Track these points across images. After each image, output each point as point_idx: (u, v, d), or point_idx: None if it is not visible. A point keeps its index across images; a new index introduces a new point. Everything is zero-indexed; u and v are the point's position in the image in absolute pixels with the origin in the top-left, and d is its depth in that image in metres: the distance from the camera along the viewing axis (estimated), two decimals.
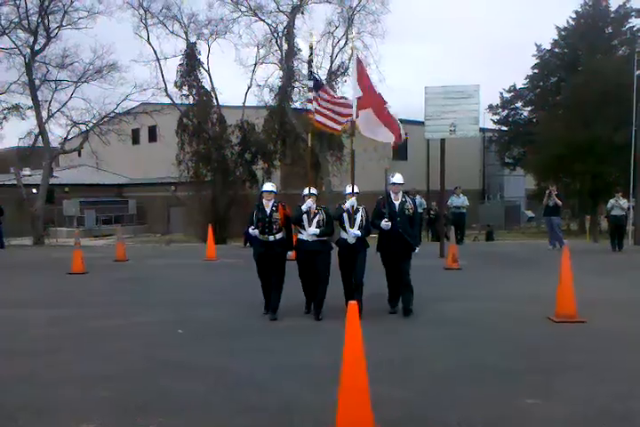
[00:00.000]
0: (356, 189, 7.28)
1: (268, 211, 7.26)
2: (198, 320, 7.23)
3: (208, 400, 4.49)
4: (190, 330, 6.75)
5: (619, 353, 5.65)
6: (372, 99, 7.17)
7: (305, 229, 7.17)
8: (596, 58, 25.15)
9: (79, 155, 30.64)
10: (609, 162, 20.52)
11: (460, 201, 16.67)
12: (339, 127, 7.60)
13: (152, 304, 8.33)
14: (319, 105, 7.42)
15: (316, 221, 7.16)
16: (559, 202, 14.30)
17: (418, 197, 17.95)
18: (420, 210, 17.57)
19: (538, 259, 13.09)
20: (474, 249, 15.81)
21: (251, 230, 7.26)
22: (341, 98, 7.72)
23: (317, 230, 7.08)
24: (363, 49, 21.60)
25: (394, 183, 7.24)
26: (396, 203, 7.22)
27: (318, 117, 7.42)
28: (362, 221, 7.10)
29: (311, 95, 7.50)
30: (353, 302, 3.76)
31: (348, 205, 7.15)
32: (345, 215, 7.13)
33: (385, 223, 7.05)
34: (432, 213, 18.58)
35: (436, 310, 7.61)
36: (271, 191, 7.39)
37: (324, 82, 8.07)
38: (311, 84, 7.56)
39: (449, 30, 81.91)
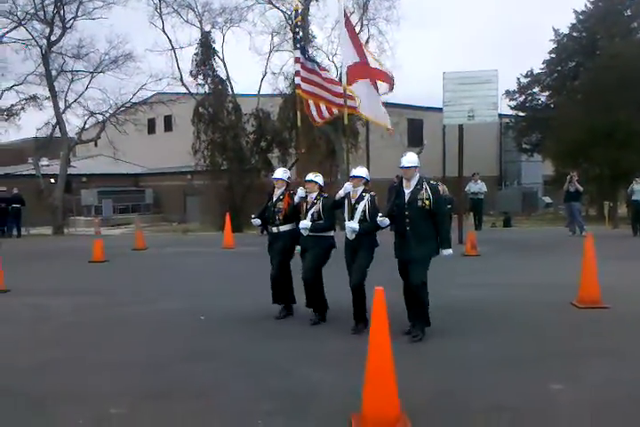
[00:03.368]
0: (362, 173, 6.08)
1: (275, 199, 6.74)
2: (219, 308, 7.24)
3: (233, 386, 4.53)
4: (212, 317, 6.79)
5: None
6: (366, 66, 6.53)
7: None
8: (615, 41, 24.66)
9: (95, 145, 30.85)
10: (629, 147, 20.17)
11: (477, 187, 16.55)
12: (326, 115, 7.05)
13: (173, 292, 8.40)
14: (307, 81, 6.85)
15: (310, 213, 6.30)
16: (580, 188, 14.14)
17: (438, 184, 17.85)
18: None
19: (558, 245, 12.98)
20: (492, 235, 15.68)
21: (252, 219, 7.03)
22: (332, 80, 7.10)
23: (308, 224, 6.22)
24: (378, 35, 21.38)
25: (403, 166, 5.66)
26: (407, 191, 5.62)
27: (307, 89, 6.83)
28: (364, 212, 5.87)
29: (298, 67, 6.84)
30: (379, 288, 3.74)
31: (342, 191, 6.11)
32: (346, 205, 6.04)
33: (379, 219, 5.66)
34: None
35: (456, 296, 7.55)
36: (280, 178, 6.79)
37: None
38: (298, 53, 6.92)
39: (462, 15, 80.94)
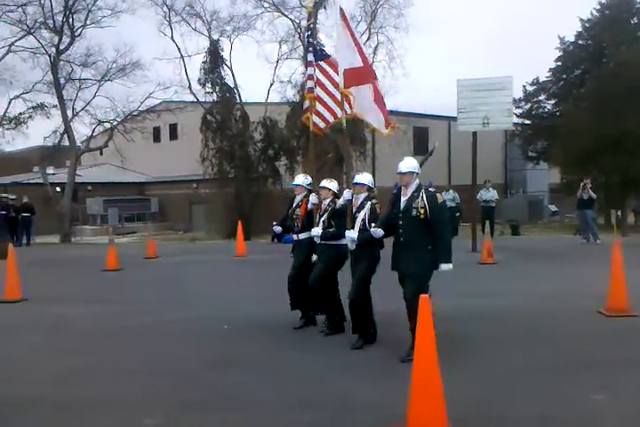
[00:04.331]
0: (363, 180, 5.78)
1: (294, 206, 6.66)
2: (241, 316, 7.16)
3: (264, 396, 4.45)
4: (235, 325, 6.70)
5: None
6: (367, 72, 6.26)
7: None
8: (622, 49, 24.67)
9: (101, 153, 30.87)
10: (637, 155, 20.10)
11: (489, 195, 16.49)
12: (330, 120, 6.72)
13: (192, 301, 8.32)
14: (320, 85, 6.57)
15: (322, 220, 6.17)
16: (594, 195, 14.07)
17: (451, 191, 17.78)
18: (451, 204, 17.41)
19: (574, 253, 12.89)
20: (503, 243, 15.55)
21: (273, 226, 6.96)
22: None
23: (319, 231, 6.08)
24: (387, 43, 21.44)
25: (400, 172, 5.26)
26: (403, 199, 5.25)
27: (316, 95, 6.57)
28: (364, 221, 5.60)
29: (309, 71, 6.61)
30: (425, 296, 3.67)
31: (341, 199, 5.97)
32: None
33: (372, 229, 5.33)
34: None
35: (482, 306, 7.41)
36: (298, 185, 6.67)
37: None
38: (311, 56, 6.62)
39: (464, 24, 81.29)
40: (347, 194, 5.87)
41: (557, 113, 30.53)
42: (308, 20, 7.14)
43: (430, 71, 64.41)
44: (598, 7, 28.81)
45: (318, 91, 6.78)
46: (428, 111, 31.43)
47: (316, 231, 6.10)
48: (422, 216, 5.07)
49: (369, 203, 5.66)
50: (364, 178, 5.81)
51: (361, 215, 5.64)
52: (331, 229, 6.05)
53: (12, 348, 5.96)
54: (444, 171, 31.21)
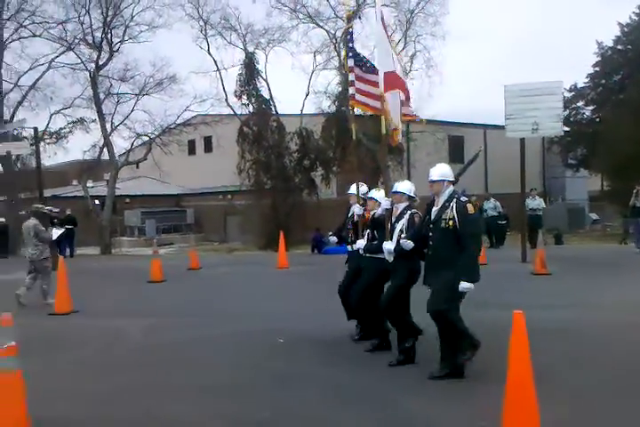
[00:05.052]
0: (402, 189, 5.53)
1: (348, 216, 6.53)
2: (294, 330, 6.96)
3: (332, 416, 4.25)
4: (288, 340, 6.52)
5: None
6: (399, 78, 6.09)
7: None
8: None
9: (137, 166, 31.27)
10: None
11: (535, 203, 16.06)
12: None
13: (241, 314, 8.18)
14: (362, 93, 6.33)
15: (366, 232, 5.98)
16: None
17: (492, 200, 17.39)
18: (493, 213, 17.04)
19: (628, 263, 12.39)
20: (551, 253, 15.06)
21: (329, 236, 6.86)
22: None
23: (363, 244, 5.88)
24: (424, 51, 21.29)
25: (430, 180, 5.03)
26: (434, 209, 5.00)
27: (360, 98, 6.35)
28: (401, 231, 5.37)
29: (352, 76, 6.39)
30: (518, 312, 3.43)
31: (379, 209, 5.80)
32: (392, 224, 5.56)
33: (402, 241, 5.18)
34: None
35: (551, 320, 6.89)
36: (351, 193, 6.52)
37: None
38: (351, 62, 6.40)
39: (500, 30, 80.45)
40: (385, 203, 5.66)
41: (597, 119, 29.94)
42: (348, 22, 6.81)
43: (466, 79, 63.95)
44: (637, 11, 28.24)
45: (361, 98, 6.50)
46: (462, 119, 31.15)
47: (360, 243, 5.88)
48: (451, 228, 4.75)
49: (408, 213, 5.41)
50: (403, 186, 5.58)
51: (399, 226, 5.41)
52: (374, 242, 5.77)
53: (59, 363, 5.83)
54: (481, 180, 30.78)
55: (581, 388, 4.63)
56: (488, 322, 6.02)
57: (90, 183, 29.92)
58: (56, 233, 10.49)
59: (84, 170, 25.03)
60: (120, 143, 27.60)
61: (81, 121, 24.16)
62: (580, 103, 31.58)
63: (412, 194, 5.55)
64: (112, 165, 23.72)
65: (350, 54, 6.67)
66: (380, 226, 5.77)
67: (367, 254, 5.87)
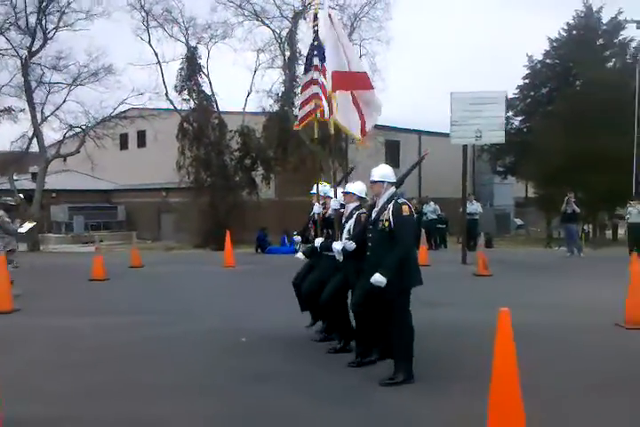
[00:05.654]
0: (352, 189, 5.58)
1: (310, 214, 6.57)
2: (253, 329, 6.88)
3: (320, 415, 4.23)
4: (251, 339, 6.44)
5: None
6: (354, 78, 5.98)
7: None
8: (591, 69, 25.49)
9: (64, 160, 29.96)
10: (609, 171, 20.72)
11: (473, 208, 16.67)
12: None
13: (196, 312, 8.02)
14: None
15: (325, 230, 6.04)
16: (577, 209, 14.35)
17: (431, 203, 17.88)
18: (432, 216, 17.52)
19: (561, 266, 13.10)
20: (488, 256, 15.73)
21: (295, 236, 6.96)
22: None
23: (320, 241, 5.92)
24: (369, 55, 21.61)
25: (371, 180, 5.02)
26: (374, 210, 4.99)
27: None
28: (349, 231, 5.46)
29: (314, 75, 6.33)
30: (505, 309, 3.58)
31: (329, 210, 5.91)
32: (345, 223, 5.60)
33: (345, 241, 5.29)
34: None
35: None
36: (313, 193, 6.57)
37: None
38: (317, 60, 6.33)
39: (433, 39, 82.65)
40: (334, 203, 5.70)
41: (524, 129, 31.30)
42: (314, 21, 6.73)
43: (402, 84, 65.23)
44: (566, 27, 29.76)
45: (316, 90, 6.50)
46: (398, 124, 31.76)
47: (318, 241, 5.90)
48: (387, 229, 4.73)
49: (356, 213, 5.43)
50: (355, 187, 5.59)
51: (347, 226, 5.47)
52: (330, 240, 5.74)
53: (14, 364, 5.52)
54: (414, 183, 31.52)
55: (542, 387, 4.86)
56: (451, 321, 6.17)
57: (15, 176, 28.46)
58: (27, 226, 9.94)
59: (10, 162, 23.72)
60: (50, 135, 26.44)
61: (8, 110, 22.89)
62: (510, 113, 32.88)
63: (362, 195, 5.60)
64: (42, 158, 22.62)
65: (316, 52, 6.64)
66: (331, 226, 5.84)
67: (324, 252, 5.85)
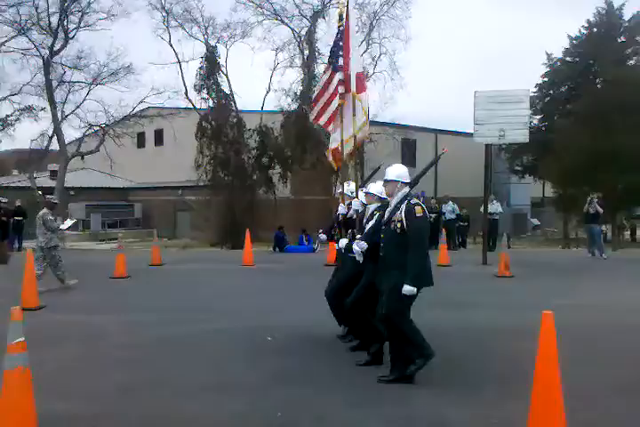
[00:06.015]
0: (373, 190, 5.55)
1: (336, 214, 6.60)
2: (279, 327, 6.87)
3: (350, 416, 4.20)
4: (277, 337, 6.44)
5: None
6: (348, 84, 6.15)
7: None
8: (612, 67, 25.18)
9: (82, 158, 30.19)
10: (631, 170, 20.47)
11: (494, 207, 16.54)
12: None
13: (220, 311, 8.04)
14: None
15: (350, 231, 6.03)
16: (600, 210, 14.13)
17: (450, 202, 17.75)
18: (450, 216, 17.39)
19: (584, 267, 12.91)
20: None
21: (320, 234, 6.86)
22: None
23: (344, 242, 5.76)
24: (389, 53, 21.53)
25: (385, 179, 5.01)
26: (387, 211, 4.97)
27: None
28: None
29: (337, 78, 6.37)
30: (547, 312, 3.52)
31: (351, 211, 5.91)
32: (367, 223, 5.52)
33: (355, 241, 5.25)
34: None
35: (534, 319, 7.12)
36: (340, 193, 6.61)
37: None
38: (340, 61, 6.33)
39: (452, 38, 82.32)
40: (355, 203, 5.70)
41: (543, 128, 30.98)
42: (339, 22, 6.72)
43: (422, 83, 65.03)
44: (586, 25, 29.41)
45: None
46: (414, 123, 31.62)
47: (342, 242, 5.75)
48: (399, 230, 4.70)
49: (378, 213, 5.33)
50: (375, 188, 5.52)
51: (368, 226, 5.39)
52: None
53: (46, 362, 5.46)
54: (430, 183, 31.34)
55: (584, 387, 4.78)
56: (480, 323, 6.11)
57: (34, 174, 28.73)
58: (67, 223, 10.35)
59: (31, 160, 23.98)
60: (70, 133, 26.71)
61: (29, 109, 23.14)
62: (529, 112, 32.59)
63: (383, 195, 5.47)
64: (62, 156, 22.81)
65: (341, 53, 6.62)
66: (353, 226, 5.80)
67: (349, 254, 5.68)
